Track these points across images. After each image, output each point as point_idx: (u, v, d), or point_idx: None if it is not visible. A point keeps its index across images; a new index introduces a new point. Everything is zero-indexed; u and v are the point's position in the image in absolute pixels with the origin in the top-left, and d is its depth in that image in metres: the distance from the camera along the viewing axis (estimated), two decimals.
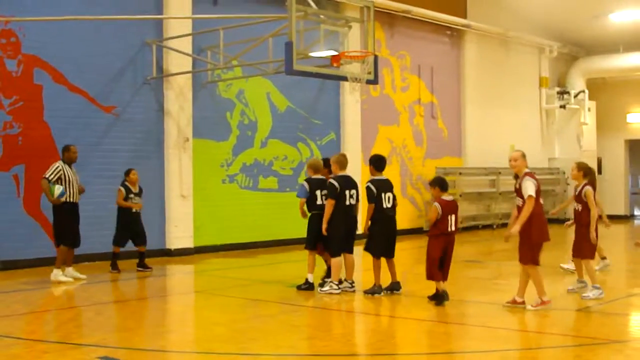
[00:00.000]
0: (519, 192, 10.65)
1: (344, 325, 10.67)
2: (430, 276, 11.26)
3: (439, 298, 11.21)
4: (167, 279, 15.48)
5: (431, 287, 11.39)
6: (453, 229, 11.25)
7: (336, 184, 12.14)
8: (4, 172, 15.61)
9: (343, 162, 12.47)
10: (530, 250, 10.62)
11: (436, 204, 11.21)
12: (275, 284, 13.95)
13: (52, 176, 13.82)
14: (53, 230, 14.23)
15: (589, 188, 11.75)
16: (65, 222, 14.02)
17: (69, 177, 13.93)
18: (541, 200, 10.70)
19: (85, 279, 14.14)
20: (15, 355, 8.41)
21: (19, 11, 15.72)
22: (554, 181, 29.59)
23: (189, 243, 18.26)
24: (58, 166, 13.94)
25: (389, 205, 12.10)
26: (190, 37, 18.26)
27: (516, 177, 10.79)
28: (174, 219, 18.08)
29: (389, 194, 12.13)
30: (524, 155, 10.81)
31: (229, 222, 19.26)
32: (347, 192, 12.20)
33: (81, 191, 14.37)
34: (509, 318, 10.51)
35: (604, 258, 14.87)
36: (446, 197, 11.36)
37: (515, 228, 10.56)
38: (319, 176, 12.69)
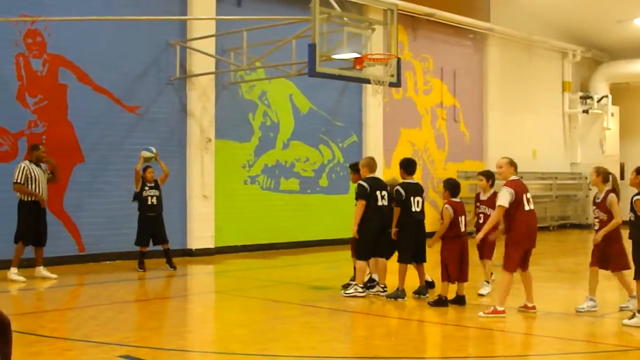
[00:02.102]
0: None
1: (365, 328, 10.66)
2: (448, 278, 11.27)
3: (442, 303, 11.24)
4: (188, 279, 15.54)
5: (452, 291, 11.38)
6: (464, 229, 11.33)
7: (366, 184, 12.09)
8: None
9: (372, 165, 12.43)
10: (508, 257, 10.43)
11: (448, 206, 11.23)
12: (295, 285, 13.98)
13: (20, 178, 13.80)
14: (17, 227, 14.07)
15: (613, 196, 10.94)
16: (26, 220, 13.95)
17: (35, 176, 13.91)
18: (530, 206, 10.41)
19: (56, 278, 14.03)
20: (37, 352, 8.46)
21: (44, 11, 15.84)
22: (576, 186, 29.45)
23: (210, 243, 18.32)
24: (23, 166, 13.94)
25: (418, 209, 12.00)
26: (213, 38, 18.33)
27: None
28: (196, 219, 18.14)
29: (418, 198, 12.07)
30: (510, 163, 10.64)
31: (250, 222, 19.30)
32: (377, 192, 12.13)
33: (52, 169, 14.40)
34: (528, 323, 10.48)
35: None
36: (455, 199, 11.44)
37: (479, 235, 10.90)
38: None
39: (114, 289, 13.45)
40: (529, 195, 10.46)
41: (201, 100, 18.34)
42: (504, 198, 10.24)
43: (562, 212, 28.65)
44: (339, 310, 11.34)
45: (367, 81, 15.70)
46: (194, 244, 18.12)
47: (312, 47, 14.31)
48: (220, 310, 12.16)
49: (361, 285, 12.23)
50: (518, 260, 10.44)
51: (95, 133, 16.33)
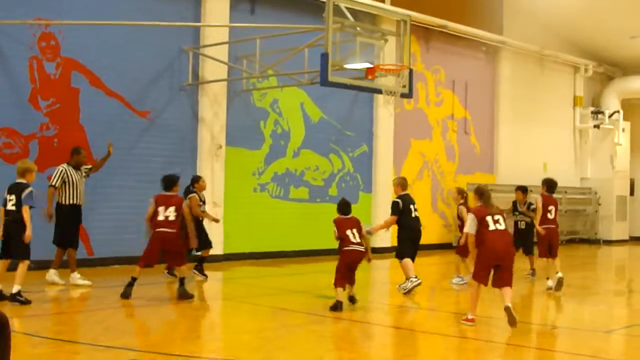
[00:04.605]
0: None
1: (371, 337, 10.67)
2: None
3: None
4: (196, 285, 15.53)
5: (448, 303, 11.36)
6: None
7: (399, 201, 13.89)
8: (39, 173, 15.68)
9: (404, 184, 14.23)
10: (476, 270, 10.85)
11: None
12: (303, 293, 13.98)
13: (56, 181, 13.82)
14: (55, 232, 14.05)
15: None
16: (66, 225, 13.94)
17: (73, 180, 13.94)
18: (497, 227, 10.74)
19: (91, 285, 13.95)
20: (43, 354, 8.49)
21: (58, 15, 15.91)
22: (586, 201, 29.36)
23: (218, 250, 18.31)
24: (62, 169, 13.95)
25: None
26: (226, 46, 18.38)
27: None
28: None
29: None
30: (476, 192, 11.35)
31: (258, 230, 19.32)
32: (411, 206, 13.94)
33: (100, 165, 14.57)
34: (535, 337, 10.46)
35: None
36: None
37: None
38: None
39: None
40: (496, 217, 10.83)
41: (213, 107, 18.38)
42: (469, 226, 10.93)
43: (571, 227, 28.57)
44: (345, 319, 11.33)
45: (379, 91, 15.72)
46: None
47: (324, 57, 14.35)
48: (227, 317, 12.16)
49: (413, 277, 13.65)
50: (484, 274, 10.71)
51: (107, 137, 16.32)
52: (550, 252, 14.62)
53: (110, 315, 11.33)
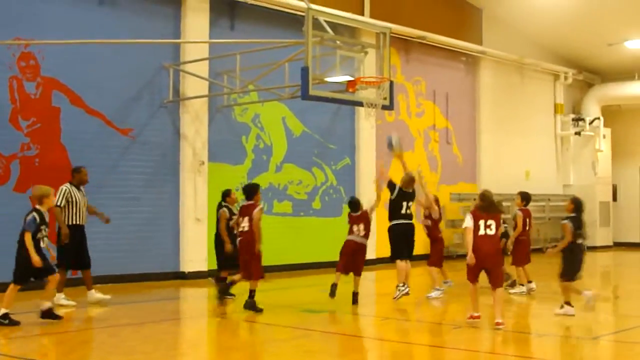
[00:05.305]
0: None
1: (357, 351, 10.64)
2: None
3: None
4: (181, 302, 15.49)
5: (434, 314, 11.36)
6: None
7: (396, 186, 14.09)
8: (21, 193, 15.68)
9: (406, 180, 14.33)
10: (468, 270, 11.49)
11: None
12: (288, 308, 13.94)
13: (60, 201, 13.70)
14: (57, 252, 13.83)
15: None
16: (69, 245, 13.75)
17: (76, 199, 13.88)
18: (487, 232, 11.34)
19: (110, 299, 13.99)
20: None
21: (38, 34, 15.87)
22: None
23: (202, 266, 18.25)
24: (65, 189, 13.83)
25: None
26: (207, 62, 18.38)
27: None
28: (189, 242, 18.09)
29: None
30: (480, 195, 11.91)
31: None
32: (404, 202, 14.09)
33: (92, 212, 14.29)
34: (522, 345, 10.47)
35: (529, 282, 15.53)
36: None
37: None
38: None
39: (106, 312, 13.40)
40: (489, 222, 11.39)
41: (194, 123, 18.36)
42: (466, 222, 11.54)
43: (555, 234, 28.58)
44: (331, 333, 11.31)
45: (360, 104, 15.73)
46: (187, 267, 18.06)
47: (305, 70, 14.36)
48: (213, 333, 12.12)
49: (401, 285, 13.77)
50: (472, 275, 11.44)
51: (88, 156, 16.29)
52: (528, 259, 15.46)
53: (94, 335, 11.26)
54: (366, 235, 13.82)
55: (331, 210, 21.34)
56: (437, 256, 15.13)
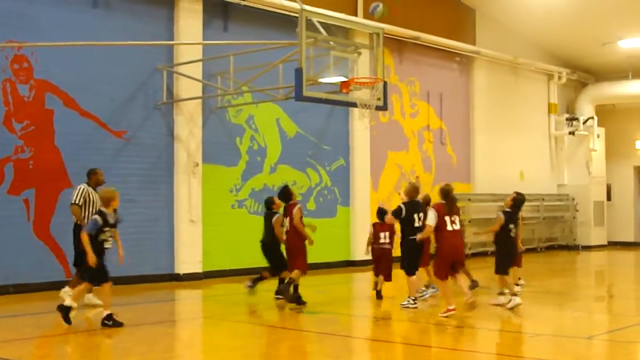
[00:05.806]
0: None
1: (353, 352, 10.64)
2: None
3: None
4: (176, 304, 15.48)
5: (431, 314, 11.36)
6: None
7: (402, 207, 13.49)
8: (15, 196, 15.68)
9: (410, 190, 13.78)
10: (437, 267, 12.44)
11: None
12: (284, 309, 13.94)
13: (78, 199, 13.71)
14: (75, 252, 13.94)
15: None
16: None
17: (93, 200, 13.83)
18: (454, 227, 12.31)
19: (101, 305, 13.90)
20: None
21: (31, 37, 15.85)
22: (563, 208, 29.50)
23: (197, 268, 18.26)
24: (83, 188, 13.84)
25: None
26: (200, 63, 18.37)
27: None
28: (183, 244, 18.08)
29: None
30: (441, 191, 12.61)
31: (237, 247, 19.22)
32: (415, 215, 13.44)
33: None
34: (516, 344, 10.48)
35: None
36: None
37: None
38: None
39: (102, 314, 13.35)
40: (454, 217, 12.32)
41: (188, 125, 18.34)
42: (430, 218, 12.35)
43: (549, 234, 28.69)
44: (328, 333, 11.31)
45: (354, 105, 15.73)
46: (182, 268, 18.05)
47: (298, 72, 14.37)
48: (209, 335, 12.11)
49: (413, 298, 13.44)
50: (445, 270, 12.30)
51: (82, 158, 16.26)
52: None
53: (90, 337, 11.24)
54: (391, 243, 14.54)
55: (326, 211, 21.32)
56: (425, 255, 14.72)
